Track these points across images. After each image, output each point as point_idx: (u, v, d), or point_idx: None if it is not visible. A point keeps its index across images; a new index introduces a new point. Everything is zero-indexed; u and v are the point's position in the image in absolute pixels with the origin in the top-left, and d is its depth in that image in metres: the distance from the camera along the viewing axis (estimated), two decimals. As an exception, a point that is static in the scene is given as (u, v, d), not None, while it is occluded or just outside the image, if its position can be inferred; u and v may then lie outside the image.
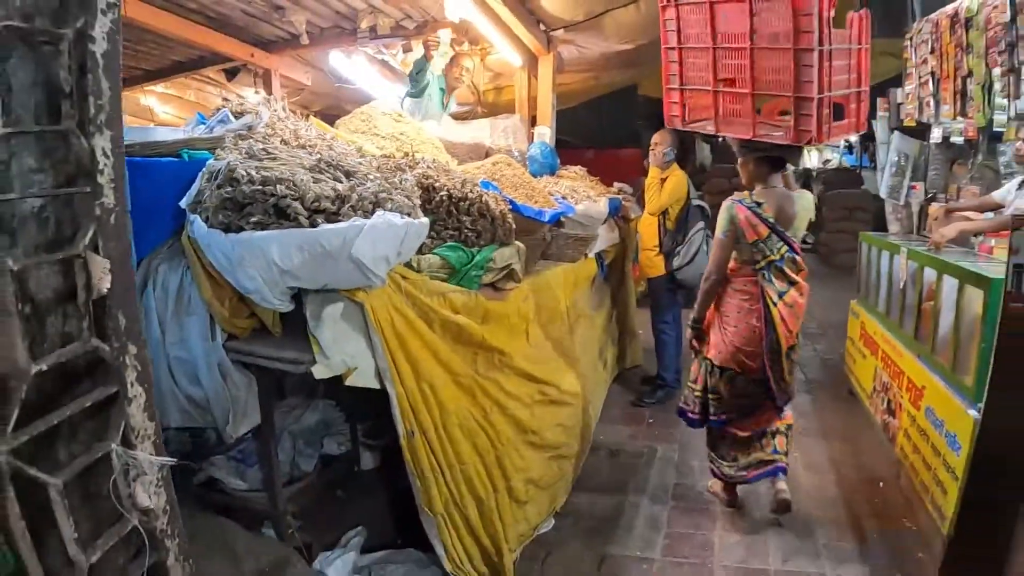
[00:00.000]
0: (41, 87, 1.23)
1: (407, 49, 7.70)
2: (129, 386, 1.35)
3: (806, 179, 24.30)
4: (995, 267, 4.00)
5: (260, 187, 2.38)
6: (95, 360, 1.31)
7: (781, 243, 4.03)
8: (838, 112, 4.22)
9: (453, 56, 7.05)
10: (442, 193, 3.13)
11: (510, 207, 3.65)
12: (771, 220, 4.03)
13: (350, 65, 8.05)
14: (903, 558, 4.02)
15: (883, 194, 7.18)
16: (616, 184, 6.95)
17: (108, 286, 1.25)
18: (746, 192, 4.18)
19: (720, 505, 4.61)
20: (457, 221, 3.17)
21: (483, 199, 3.24)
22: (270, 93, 7.91)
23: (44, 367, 1.17)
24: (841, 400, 6.69)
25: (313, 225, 2.38)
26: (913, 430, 4.63)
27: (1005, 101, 5.11)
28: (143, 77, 8.97)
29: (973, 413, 3.71)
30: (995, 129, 5.67)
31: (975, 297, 3.98)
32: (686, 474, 5.08)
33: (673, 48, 4.59)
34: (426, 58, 6.66)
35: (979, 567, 3.65)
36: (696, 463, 5.23)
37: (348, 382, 2.60)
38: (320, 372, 2.50)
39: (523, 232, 3.90)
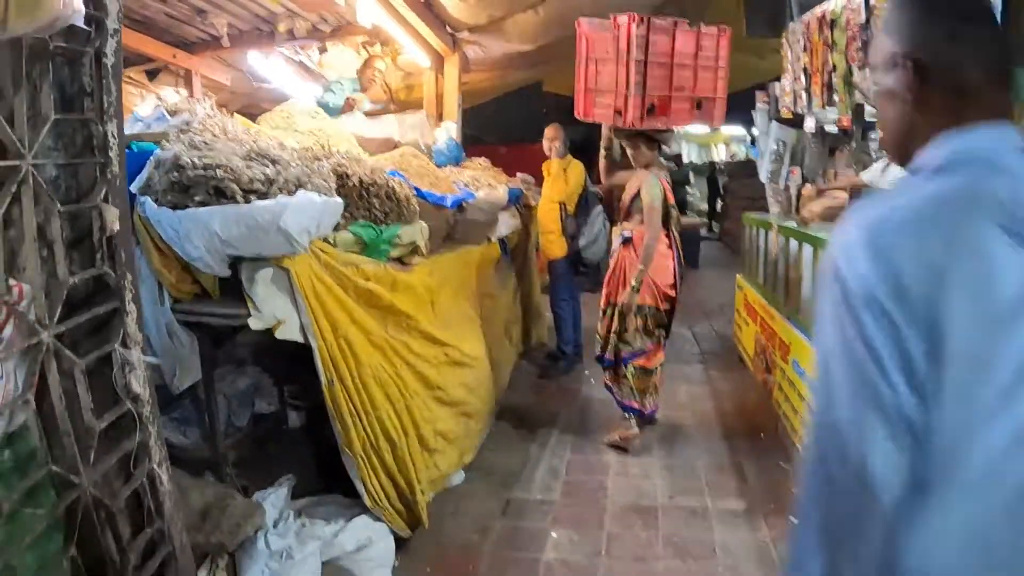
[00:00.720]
0: (74, 87, 1.78)
1: (322, 51, 8.17)
2: (127, 303, 1.90)
3: (712, 171, 25.21)
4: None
5: (203, 171, 2.92)
6: (104, 283, 1.86)
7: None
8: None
9: (366, 58, 7.55)
10: (354, 179, 3.67)
11: (415, 193, 4.21)
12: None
13: (268, 65, 8.36)
14: (777, 491, 4.64)
15: (763, 179, 7.90)
16: (519, 175, 7.56)
17: (117, 227, 1.81)
18: (650, 169, 5.27)
19: (615, 455, 5.23)
20: (367, 204, 3.72)
21: (390, 184, 3.80)
22: (191, 93, 8.25)
23: (75, 281, 1.73)
24: (731, 368, 7.38)
25: (247, 202, 2.93)
26: (784, 383, 5.33)
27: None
28: None
29: None
30: (867, 119, 6.35)
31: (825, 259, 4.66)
32: (584, 432, 5.68)
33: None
34: (363, 88, 7.19)
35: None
36: (594, 422, 5.86)
37: (277, 334, 3.13)
38: (255, 324, 3.04)
39: (428, 216, 4.45)
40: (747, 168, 19.98)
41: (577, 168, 7.05)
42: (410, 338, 4.03)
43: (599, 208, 7.07)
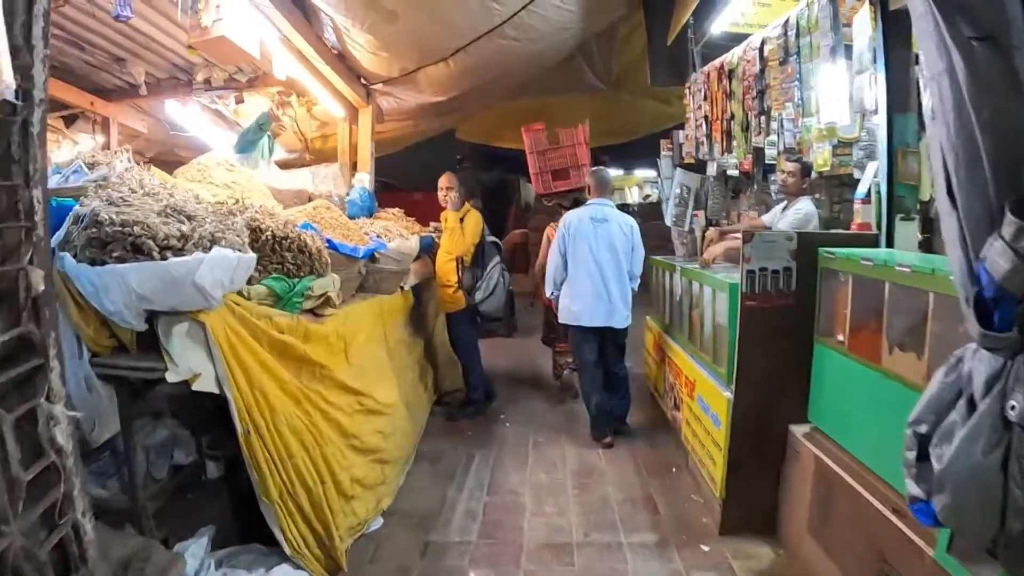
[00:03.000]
0: (0, 153, 1.93)
1: (239, 100, 8.26)
2: (51, 359, 2.02)
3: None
4: (738, 275, 4.95)
5: (120, 228, 3.05)
6: (29, 340, 1.98)
7: None
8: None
9: (269, 109, 7.67)
10: (267, 233, 3.82)
11: (327, 245, 4.37)
12: None
13: (185, 113, 8.48)
14: (689, 524, 4.86)
15: (668, 222, 8.21)
16: (432, 224, 7.69)
17: (42, 288, 1.94)
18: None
19: (530, 495, 5.39)
20: (280, 257, 3.87)
21: (302, 238, 3.96)
22: (108, 140, 8.43)
23: (4, 339, 1.87)
24: (643, 406, 7.56)
25: (163, 258, 3.07)
26: (691, 417, 5.56)
27: (774, 137, 6.04)
28: None
29: (728, 394, 4.63)
30: (767, 162, 6.65)
31: (722, 300, 4.94)
32: (500, 473, 5.81)
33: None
34: (272, 134, 7.31)
35: (749, 519, 4.60)
36: (509, 463, 6.01)
37: (194, 386, 3.24)
38: (172, 377, 3.15)
39: (340, 266, 4.62)
40: (658, 209, 20.44)
41: (474, 219, 7.09)
42: (324, 387, 4.17)
43: (496, 259, 7.20)
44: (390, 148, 10.65)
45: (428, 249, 7.09)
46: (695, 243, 7.98)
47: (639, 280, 6.79)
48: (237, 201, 4.34)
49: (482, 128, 12.89)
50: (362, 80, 7.99)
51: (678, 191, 8.11)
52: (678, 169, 8.25)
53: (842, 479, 3.69)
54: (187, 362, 3.22)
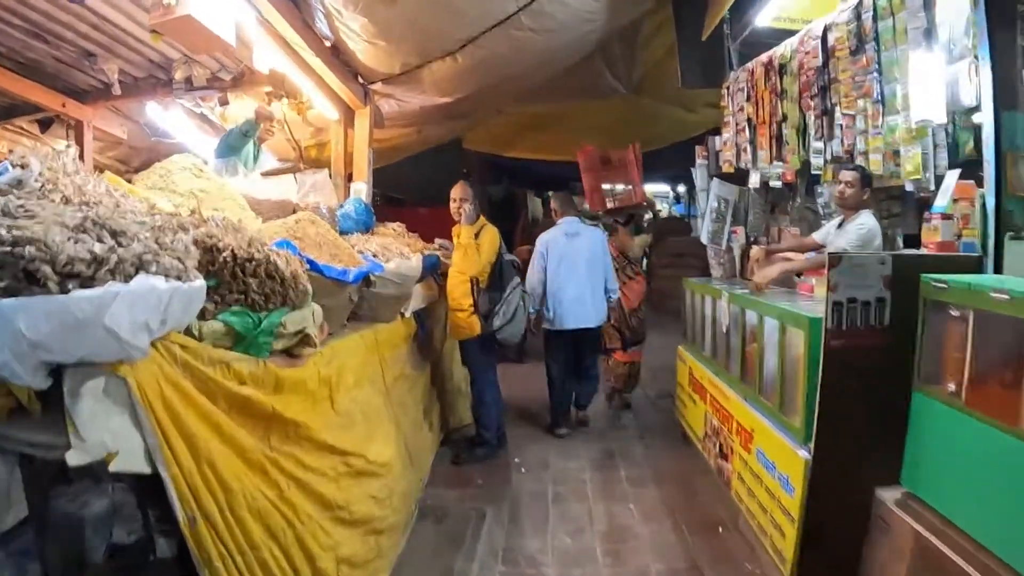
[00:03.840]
0: None
1: (223, 102, 7.49)
2: None
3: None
4: (814, 306, 4.12)
5: (10, 249, 2.16)
6: None
7: None
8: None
9: (258, 106, 6.85)
10: (225, 254, 2.96)
11: (308, 267, 3.53)
12: None
13: (167, 118, 7.83)
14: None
15: (704, 240, 7.39)
16: (437, 240, 6.94)
17: None
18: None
19: (553, 566, 4.56)
20: (243, 284, 3.00)
21: (271, 260, 3.09)
22: (82, 146, 7.65)
23: None
24: (675, 446, 6.82)
25: (65, 291, 2.18)
26: (747, 473, 4.74)
27: (820, 144, 5.30)
28: None
29: (803, 454, 3.78)
30: (813, 172, 5.87)
31: (796, 337, 4.09)
32: (517, 536, 4.99)
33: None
34: (259, 138, 6.66)
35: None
36: (527, 522, 5.18)
37: (112, 467, 2.38)
38: (75, 458, 2.26)
39: (327, 293, 3.81)
40: (671, 225, 19.86)
41: (491, 235, 6.36)
42: (301, 450, 3.28)
43: (516, 281, 6.47)
44: (391, 158, 9.87)
45: (433, 270, 6.26)
46: (734, 263, 7.17)
47: (616, 293, 7.62)
48: (192, 212, 3.45)
49: (490, 136, 11.99)
50: (359, 79, 7.18)
51: (715, 204, 7.27)
52: (715, 180, 7.39)
53: (954, 565, 2.86)
54: (100, 434, 2.32)
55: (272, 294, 3.10)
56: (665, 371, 8.70)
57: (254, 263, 3.02)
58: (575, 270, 7.13)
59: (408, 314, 5.56)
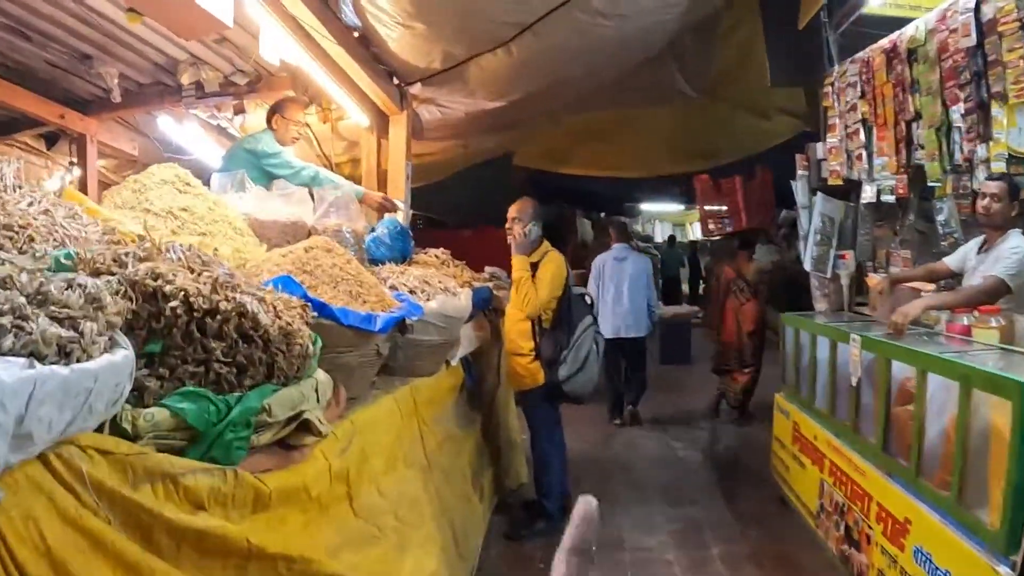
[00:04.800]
0: None
1: (239, 110, 6.69)
2: None
3: (693, 251, 23.91)
4: (1008, 363, 3.04)
5: None
6: None
7: None
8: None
9: (282, 102, 5.85)
10: (173, 303, 1.90)
11: (315, 315, 2.48)
12: None
13: (181, 132, 7.05)
14: None
15: (808, 267, 6.23)
16: (487, 269, 5.89)
17: None
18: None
19: None
20: (202, 349, 1.93)
21: (247, 311, 2.01)
22: (84, 163, 6.96)
23: None
24: (771, 511, 5.73)
25: None
26: (894, 573, 3.59)
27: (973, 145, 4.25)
28: None
29: (1005, 570, 2.72)
30: (929, 184, 4.93)
31: (997, 407, 2.96)
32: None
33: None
34: (280, 141, 5.58)
35: None
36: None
37: None
38: None
39: (344, 346, 2.79)
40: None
41: (553, 266, 5.25)
42: (297, 595, 2.19)
43: (588, 321, 5.33)
44: (433, 176, 8.88)
45: (484, 306, 5.17)
46: (841, 294, 6.03)
47: (658, 310, 9.51)
48: (138, 239, 2.36)
49: (544, 150, 10.85)
50: (393, 79, 6.16)
51: (819, 224, 6.13)
52: (819, 195, 6.25)
53: None
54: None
55: (250, 364, 2.03)
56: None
57: (219, 317, 1.95)
58: (619, 288, 8.61)
59: (455, 362, 4.49)
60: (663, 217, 30.17)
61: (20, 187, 2.50)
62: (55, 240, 2.18)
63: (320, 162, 7.29)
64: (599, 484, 6.47)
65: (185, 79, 6.07)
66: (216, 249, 2.39)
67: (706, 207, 9.95)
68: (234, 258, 3.17)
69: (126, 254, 2.07)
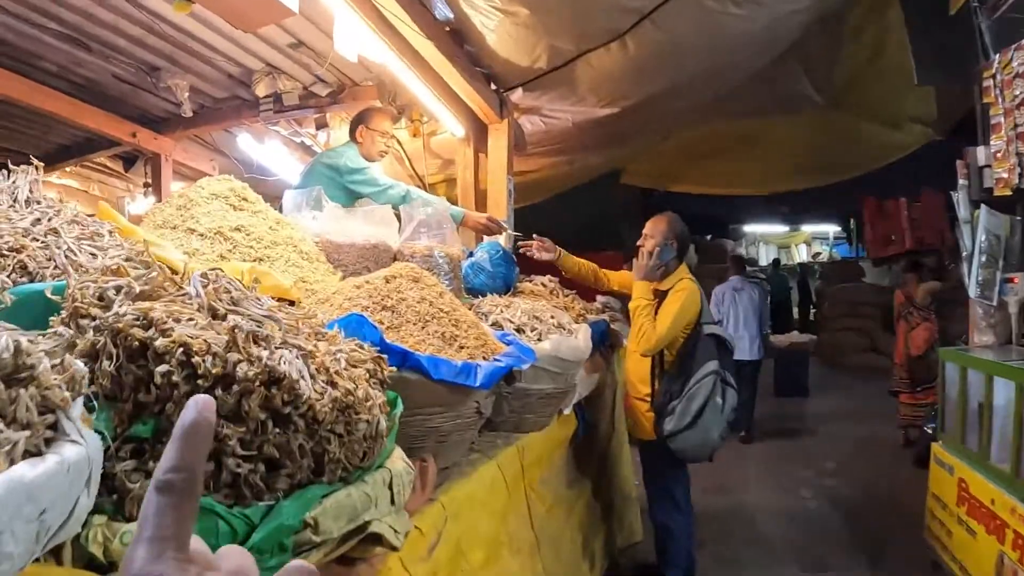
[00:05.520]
0: None
1: (321, 124, 6.27)
2: None
3: (803, 274, 22.82)
4: None
5: None
6: None
7: None
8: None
9: (367, 112, 5.24)
10: (162, 368, 1.22)
11: (394, 369, 1.79)
12: None
13: (262, 150, 6.72)
14: None
15: (973, 293, 5.31)
16: (599, 299, 5.16)
17: None
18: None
19: None
20: (214, 437, 1.25)
21: (281, 378, 1.31)
22: (157, 185, 6.71)
23: None
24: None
25: None
26: None
27: None
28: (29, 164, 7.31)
29: None
30: None
31: None
32: None
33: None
34: (365, 156, 5.01)
35: None
36: None
37: None
38: None
39: (435, 408, 2.13)
40: (843, 270, 17.78)
41: (682, 297, 4.40)
42: None
43: (712, 366, 4.36)
44: (533, 197, 8.22)
45: (602, 342, 4.42)
46: (1009, 323, 5.13)
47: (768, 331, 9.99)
48: (115, 270, 1.67)
49: (654, 167, 10.15)
50: (492, 85, 5.52)
51: (984, 241, 5.24)
52: (982, 209, 5.34)
53: None
54: None
55: (286, 456, 1.33)
56: (865, 447, 8.57)
57: (236, 388, 1.26)
58: (737, 319, 9.22)
59: (568, 410, 3.77)
60: (768, 239, 29.06)
61: (39, 201, 2.05)
62: (56, 267, 1.69)
63: (411, 182, 6.70)
64: (720, 542, 5.78)
65: (261, 90, 5.68)
66: (256, 280, 1.70)
67: (876, 230, 9.91)
68: (297, 290, 2.52)
69: (116, 288, 1.43)
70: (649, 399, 4.42)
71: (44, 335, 1.19)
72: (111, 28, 4.89)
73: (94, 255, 1.79)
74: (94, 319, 1.34)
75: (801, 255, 29.36)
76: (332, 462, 1.40)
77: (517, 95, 5.62)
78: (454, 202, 6.07)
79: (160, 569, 0.52)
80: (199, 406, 0.57)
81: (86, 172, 8.12)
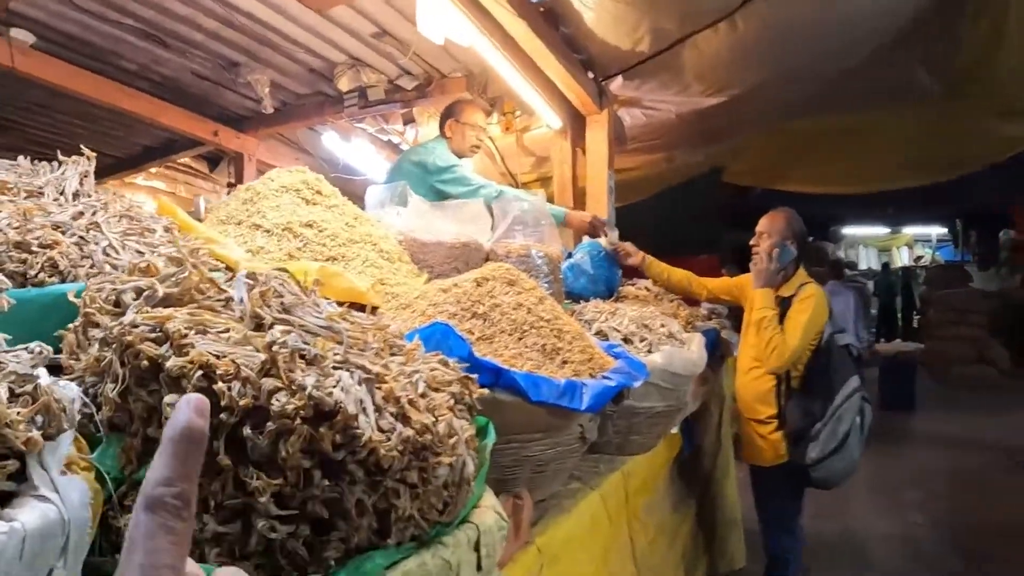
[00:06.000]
0: None
1: (408, 120, 6.16)
2: None
3: (906, 278, 21.99)
4: None
5: None
6: None
7: None
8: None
9: (457, 104, 4.98)
10: (171, 397, 0.93)
11: (485, 390, 1.47)
12: None
13: (349, 149, 6.66)
14: None
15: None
16: (704, 305, 4.71)
17: None
18: None
19: None
20: (238, 487, 0.93)
21: (336, 412, 0.98)
22: (242, 183, 6.43)
23: None
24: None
25: None
26: None
27: None
28: (114, 166, 7.64)
29: None
30: None
31: None
32: None
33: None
34: (456, 152, 4.77)
35: None
36: None
37: None
38: None
39: (534, 434, 1.85)
40: (948, 275, 17.00)
41: (814, 300, 3.98)
42: None
43: (855, 383, 3.94)
44: (631, 196, 7.76)
45: (712, 351, 3.99)
46: None
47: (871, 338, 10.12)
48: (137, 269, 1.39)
49: (756, 165, 9.49)
50: (589, 73, 5.16)
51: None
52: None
53: None
54: None
55: (339, 514, 1.01)
56: (966, 470, 7.81)
57: (271, 425, 0.94)
58: (831, 321, 7.15)
59: (675, 430, 3.42)
60: (867, 241, 28.11)
61: (89, 195, 1.88)
62: (94, 266, 1.51)
63: (504, 181, 6.49)
64: (831, 570, 5.48)
65: (343, 84, 5.52)
66: (318, 282, 1.39)
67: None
68: (375, 293, 2.22)
69: (137, 291, 1.15)
70: (774, 421, 3.98)
71: (13, 351, 0.90)
72: (188, 22, 4.84)
73: (140, 252, 1.59)
74: (106, 328, 1.06)
75: (902, 258, 28.41)
76: (401, 520, 1.06)
77: (616, 84, 5.26)
78: (549, 200, 5.81)
79: None
80: (191, 406, 0.50)
81: (172, 173, 8.22)
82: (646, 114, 5.76)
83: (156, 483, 0.48)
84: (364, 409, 1.02)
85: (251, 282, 1.24)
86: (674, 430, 3.48)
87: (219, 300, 1.19)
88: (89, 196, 1.84)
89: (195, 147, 6.95)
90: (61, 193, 1.80)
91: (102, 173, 7.81)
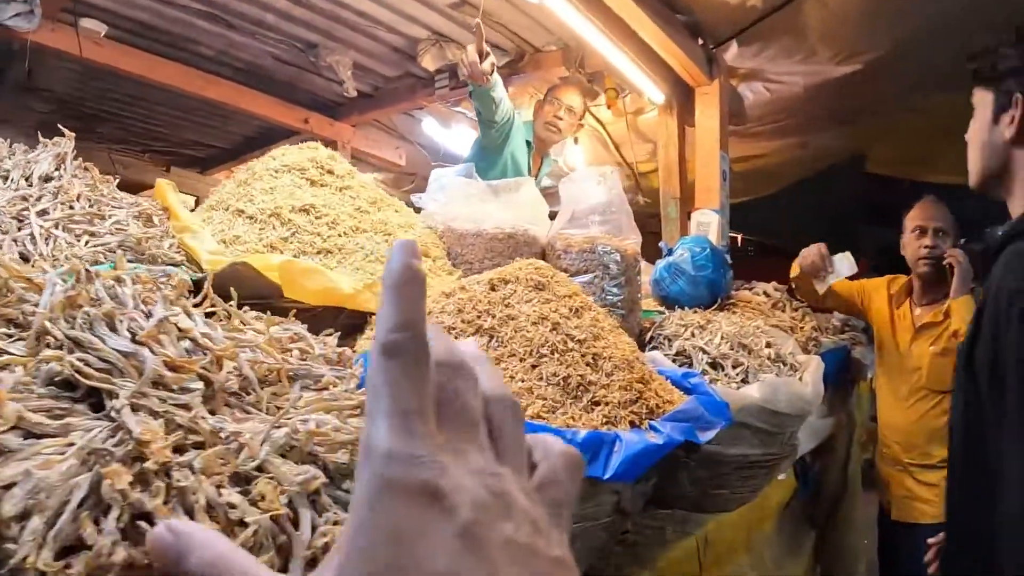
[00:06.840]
0: None
1: None
2: None
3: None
4: None
5: None
6: None
7: None
8: None
9: (549, 89, 4.81)
10: None
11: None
12: None
13: (449, 135, 6.78)
14: None
15: None
16: (838, 315, 4.12)
17: None
18: None
19: None
20: None
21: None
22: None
23: None
24: None
25: None
26: None
27: None
28: (219, 157, 8.09)
29: None
30: None
31: None
32: None
33: None
34: (537, 139, 4.68)
35: None
36: None
37: None
38: None
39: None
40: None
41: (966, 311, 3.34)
42: None
43: None
44: (760, 188, 7.29)
45: (835, 377, 3.41)
46: None
47: None
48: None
49: (902, 151, 8.48)
50: (698, 38, 4.65)
51: None
52: None
53: None
54: None
55: None
56: None
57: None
58: None
59: (784, 475, 2.90)
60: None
61: (61, 176, 1.95)
62: None
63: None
64: None
65: (428, 62, 5.38)
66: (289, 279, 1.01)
67: None
68: (369, 294, 1.85)
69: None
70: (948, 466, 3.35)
71: None
72: (255, 2, 4.85)
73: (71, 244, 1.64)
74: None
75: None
76: None
77: (732, 53, 4.68)
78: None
79: (421, 449, 0.41)
80: (403, 250, 0.47)
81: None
82: (769, 88, 5.09)
83: (390, 329, 0.44)
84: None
85: (63, 284, 0.91)
86: (783, 477, 2.91)
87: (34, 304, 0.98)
88: (60, 179, 1.87)
89: (291, 136, 6.74)
90: (27, 177, 1.84)
91: (209, 164, 8.05)
